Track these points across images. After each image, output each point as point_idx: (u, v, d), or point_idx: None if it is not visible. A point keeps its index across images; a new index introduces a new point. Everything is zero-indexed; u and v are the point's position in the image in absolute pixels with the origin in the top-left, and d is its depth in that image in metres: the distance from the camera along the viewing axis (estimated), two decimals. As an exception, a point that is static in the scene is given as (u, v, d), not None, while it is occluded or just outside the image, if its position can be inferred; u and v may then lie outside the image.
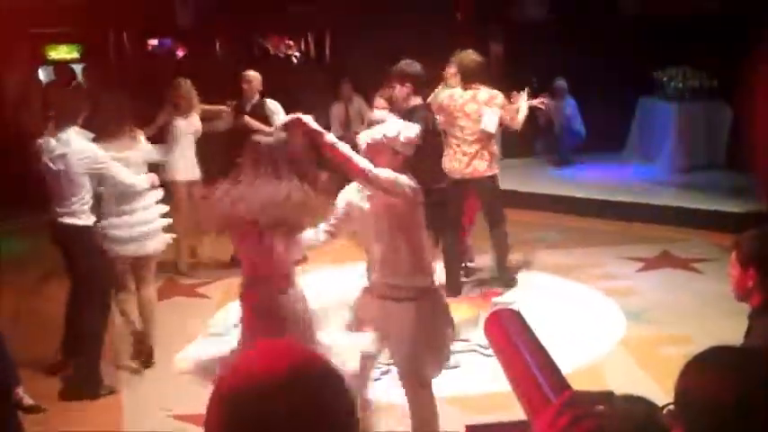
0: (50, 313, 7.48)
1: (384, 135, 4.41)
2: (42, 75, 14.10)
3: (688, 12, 11.84)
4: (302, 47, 16.82)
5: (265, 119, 8.36)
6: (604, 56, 11.95)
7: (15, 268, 8.77)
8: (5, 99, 12.57)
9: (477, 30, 12.89)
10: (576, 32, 12.01)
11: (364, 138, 4.49)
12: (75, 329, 6.07)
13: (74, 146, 5.74)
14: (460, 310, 6.59)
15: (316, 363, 1.43)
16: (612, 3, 13.04)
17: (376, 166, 4.28)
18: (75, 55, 14.97)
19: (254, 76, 8.70)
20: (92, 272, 5.88)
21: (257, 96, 8.65)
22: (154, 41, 15.62)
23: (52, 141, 5.76)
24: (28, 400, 5.36)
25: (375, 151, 4.39)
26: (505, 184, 8.22)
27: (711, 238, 8.78)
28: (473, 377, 5.95)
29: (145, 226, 6.19)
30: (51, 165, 5.74)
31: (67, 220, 5.79)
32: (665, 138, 11.91)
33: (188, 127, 8.38)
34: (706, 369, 1.81)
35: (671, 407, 1.83)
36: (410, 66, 6.55)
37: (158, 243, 6.34)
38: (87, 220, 5.87)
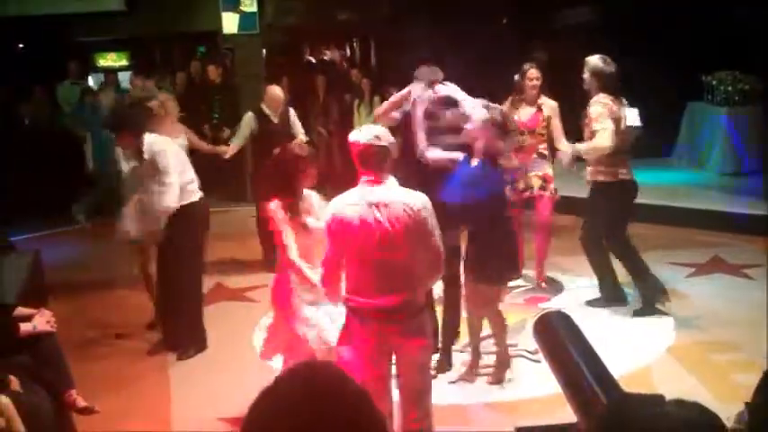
0: (102, 315, 7.63)
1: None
2: (92, 82, 14.33)
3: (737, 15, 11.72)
4: (347, 53, 16.91)
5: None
6: (652, 61, 11.85)
7: (67, 272, 8.94)
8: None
9: (521, 35, 12.89)
10: (622, 37, 11.93)
11: None
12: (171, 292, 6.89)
13: None
14: (507, 315, 6.59)
15: (348, 385, 1.50)
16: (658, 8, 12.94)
17: None
18: (124, 62, 15.21)
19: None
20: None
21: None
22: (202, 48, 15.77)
23: None
24: (81, 402, 5.42)
25: None
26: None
27: (762, 244, 8.66)
28: (520, 382, 5.93)
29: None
30: None
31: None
32: (715, 142, 11.79)
33: None
34: None
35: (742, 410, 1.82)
36: (438, 71, 6.26)
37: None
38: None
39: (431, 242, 4.28)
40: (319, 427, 1.41)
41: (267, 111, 8.91)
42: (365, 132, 4.37)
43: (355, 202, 4.24)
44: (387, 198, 4.23)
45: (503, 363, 6.00)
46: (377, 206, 4.20)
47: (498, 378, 5.98)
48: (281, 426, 1.42)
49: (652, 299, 7.14)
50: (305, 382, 1.49)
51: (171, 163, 6.59)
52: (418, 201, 4.28)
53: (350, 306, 4.34)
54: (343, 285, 4.40)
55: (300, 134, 8.96)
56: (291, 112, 9.13)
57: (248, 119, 8.96)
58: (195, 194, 6.83)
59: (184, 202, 6.70)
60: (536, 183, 7.59)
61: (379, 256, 4.20)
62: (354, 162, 4.36)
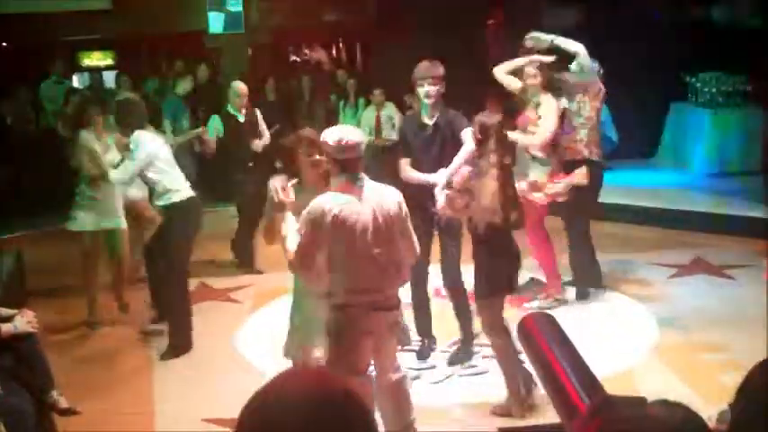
0: (83, 315, 7.59)
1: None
2: (76, 81, 14.25)
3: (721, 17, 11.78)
4: (333, 53, 16.89)
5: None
6: (637, 61, 11.88)
7: (50, 272, 8.89)
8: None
9: (508, 36, 12.87)
10: (608, 37, 11.95)
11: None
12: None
13: None
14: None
15: (340, 390, 1.51)
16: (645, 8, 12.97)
17: None
18: (109, 61, 15.13)
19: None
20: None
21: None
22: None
23: None
24: (63, 403, 5.40)
25: None
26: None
27: (745, 245, 8.70)
28: (502, 382, 5.92)
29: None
30: None
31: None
32: (698, 143, 11.83)
33: None
34: None
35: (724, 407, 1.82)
36: (439, 66, 6.18)
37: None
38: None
39: (409, 230, 4.51)
40: (313, 429, 1.42)
41: (232, 110, 8.83)
42: (346, 132, 4.42)
43: (348, 200, 4.27)
44: (375, 194, 4.34)
45: (511, 395, 5.45)
46: (370, 203, 4.29)
47: (503, 410, 5.48)
48: (274, 428, 1.43)
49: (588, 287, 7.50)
50: (298, 385, 1.50)
51: (140, 157, 6.71)
52: (397, 193, 4.50)
53: (344, 304, 4.37)
54: (330, 285, 4.42)
55: (265, 134, 8.93)
56: (257, 111, 9.05)
57: (214, 122, 8.91)
58: (180, 194, 6.84)
59: (173, 201, 6.79)
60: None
61: (375, 251, 4.30)
62: (334, 162, 4.38)
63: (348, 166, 4.33)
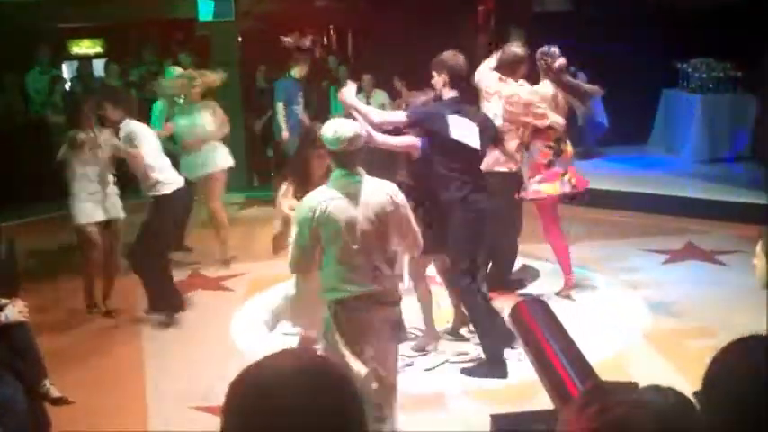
0: (75, 305, 7.57)
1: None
2: (66, 70, 14.17)
3: (712, 3, 11.77)
4: (324, 40, 16.83)
5: None
6: (628, 47, 11.88)
7: (40, 263, 8.88)
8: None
9: (499, 22, 12.87)
10: (599, 24, 11.94)
11: None
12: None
13: None
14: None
15: (330, 369, 1.52)
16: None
17: None
18: (98, 49, 15.04)
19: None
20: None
21: None
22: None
23: None
24: (55, 392, 5.39)
25: None
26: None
27: (735, 230, 8.72)
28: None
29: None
30: None
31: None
32: (689, 129, 11.86)
33: None
34: (736, 356, 1.81)
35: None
36: (451, 57, 6.12)
37: None
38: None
39: (410, 224, 4.46)
40: (304, 406, 1.42)
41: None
42: (342, 125, 4.38)
43: (334, 196, 4.26)
44: (368, 190, 4.30)
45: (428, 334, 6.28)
46: (359, 198, 4.26)
47: (419, 346, 6.22)
48: (264, 403, 1.43)
49: None
50: (290, 363, 1.50)
51: (146, 149, 6.93)
52: (391, 187, 4.45)
53: (341, 299, 4.33)
54: (331, 280, 4.39)
55: None
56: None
57: (159, 106, 8.94)
58: (170, 185, 7.04)
59: (162, 192, 6.99)
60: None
61: (364, 246, 4.25)
62: (330, 156, 4.37)
63: (344, 159, 4.31)
